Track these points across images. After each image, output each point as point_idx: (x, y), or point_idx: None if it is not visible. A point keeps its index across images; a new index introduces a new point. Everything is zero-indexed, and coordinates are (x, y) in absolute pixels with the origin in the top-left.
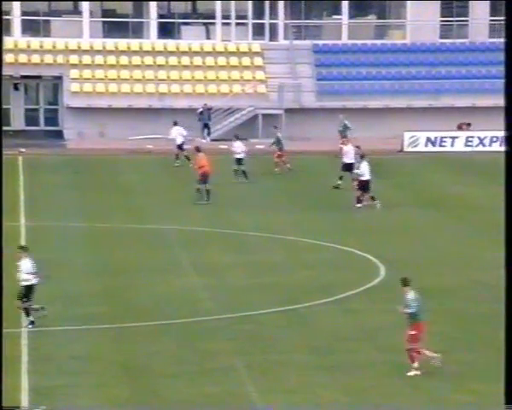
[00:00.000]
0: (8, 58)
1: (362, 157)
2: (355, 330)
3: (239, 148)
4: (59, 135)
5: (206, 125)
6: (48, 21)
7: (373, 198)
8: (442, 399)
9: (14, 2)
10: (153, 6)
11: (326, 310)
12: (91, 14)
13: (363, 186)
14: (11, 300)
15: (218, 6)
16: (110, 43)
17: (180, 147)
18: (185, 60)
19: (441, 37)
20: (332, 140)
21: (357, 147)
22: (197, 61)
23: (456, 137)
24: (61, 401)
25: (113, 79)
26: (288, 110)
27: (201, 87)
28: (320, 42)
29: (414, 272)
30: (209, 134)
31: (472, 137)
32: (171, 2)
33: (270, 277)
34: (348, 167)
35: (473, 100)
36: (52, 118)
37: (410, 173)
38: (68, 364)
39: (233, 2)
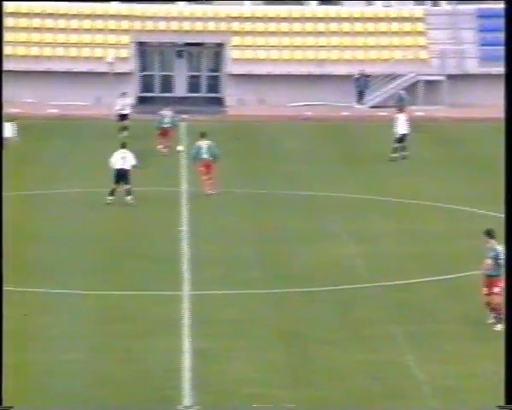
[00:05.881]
0: (173, 25)
1: (123, 146)
2: None
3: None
4: (219, 102)
5: (361, 92)
6: None
7: (128, 192)
8: None
9: None
10: None
11: None
12: None
13: (119, 176)
14: (171, 265)
15: None
16: (271, 10)
17: (124, 117)
18: (346, 26)
19: None
20: (496, 107)
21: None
22: (358, 27)
23: None
24: (219, 363)
25: (274, 46)
26: (450, 76)
27: (362, 53)
28: (484, 6)
29: None
30: (359, 101)
31: None
32: None
33: (427, 245)
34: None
35: None
36: (213, 85)
37: None
38: (225, 327)
39: None
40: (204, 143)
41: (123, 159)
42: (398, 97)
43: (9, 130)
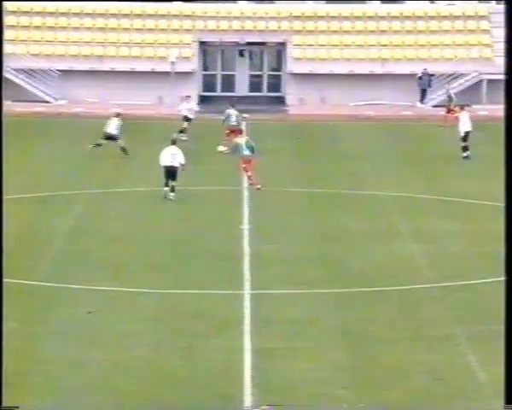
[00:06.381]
0: (235, 25)
1: (173, 143)
2: None
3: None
4: (281, 101)
5: (424, 91)
6: None
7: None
8: None
9: None
10: None
11: None
12: None
13: (167, 173)
14: (232, 264)
15: None
16: (333, 8)
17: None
18: (409, 25)
19: None
20: None
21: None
22: (421, 25)
23: None
24: (280, 363)
25: (336, 45)
26: None
27: (425, 52)
28: None
29: None
30: (422, 100)
31: None
32: None
33: (491, 246)
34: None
35: None
36: (275, 84)
37: None
38: (287, 327)
39: None
40: (242, 140)
41: (172, 156)
42: (448, 96)
43: (114, 126)
